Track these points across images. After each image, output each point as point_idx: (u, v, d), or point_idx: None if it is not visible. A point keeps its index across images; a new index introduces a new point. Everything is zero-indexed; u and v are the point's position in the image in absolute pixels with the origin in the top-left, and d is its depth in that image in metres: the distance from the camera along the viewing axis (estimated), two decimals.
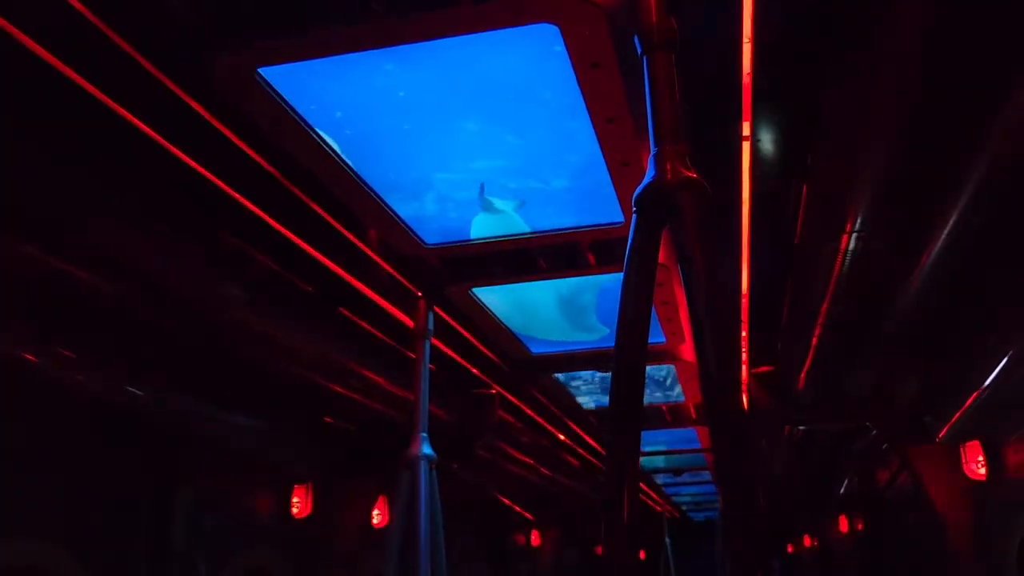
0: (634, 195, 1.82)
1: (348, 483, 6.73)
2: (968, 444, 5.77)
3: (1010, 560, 5.37)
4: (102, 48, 2.48)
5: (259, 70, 2.53)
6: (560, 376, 6.54)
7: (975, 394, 4.81)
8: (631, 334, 1.78)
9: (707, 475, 12.94)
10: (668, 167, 1.80)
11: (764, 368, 6.29)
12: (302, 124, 2.83)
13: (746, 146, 3.17)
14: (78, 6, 2.38)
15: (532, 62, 2.57)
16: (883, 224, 3.31)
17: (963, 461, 5.79)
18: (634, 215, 1.82)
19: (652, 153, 1.84)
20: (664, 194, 1.78)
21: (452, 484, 5.02)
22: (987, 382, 4.61)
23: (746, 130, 3.07)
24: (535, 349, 5.77)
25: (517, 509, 11.73)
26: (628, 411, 1.76)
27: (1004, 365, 4.42)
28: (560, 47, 2.45)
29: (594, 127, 2.86)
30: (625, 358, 1.80)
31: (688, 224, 1.75)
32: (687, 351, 5.87)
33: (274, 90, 2.62)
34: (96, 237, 3.07)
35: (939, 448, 5.83)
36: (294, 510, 6.41)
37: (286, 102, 2.69)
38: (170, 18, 2.47)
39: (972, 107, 2.72)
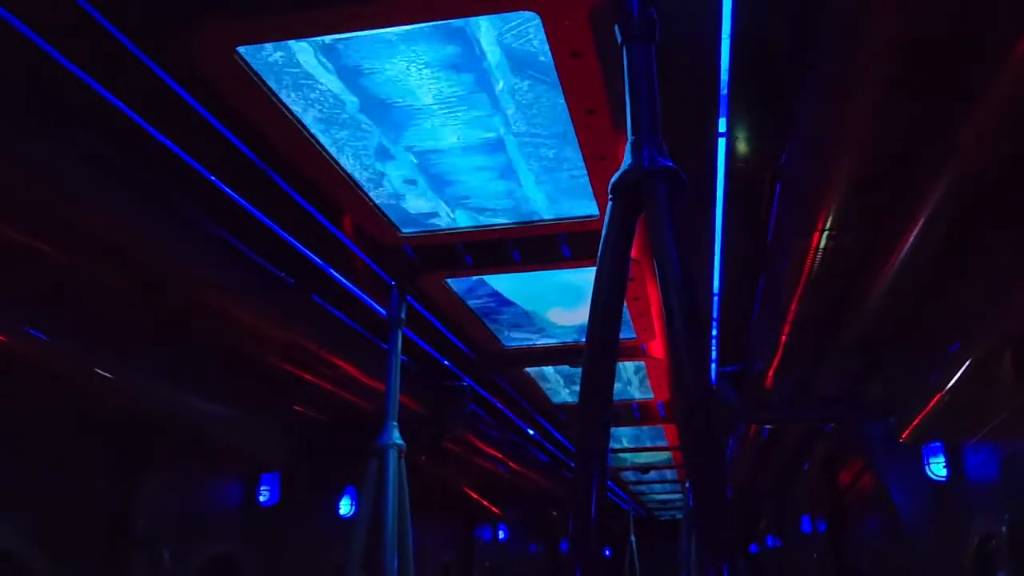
0: (610, 182, 1.84)
1: (317, 471, 6.70)
2: (930, 445, 5.86)
3: (969, 559, 5.46)
4: (77, 17, 2.44)
5: (237, 49, 2.51)
6: (531, 370, 6.56)
7: (938, 396, 4.88)
8: (603, 321, 1.80)
9: (673, 474, 13.02)
10: (644, 155, 1.83)
11: (733, 366, 6.35)
12: (280, 106, 2.81)
13: (722, 143, 3.20)
14: None
15: (512, 49, 2.58)
16: (854, 224, 3.35)
17: (925, 462, 5.89)
18: (609, 202, 1.84)
19: (629, 141, 1.86)
20: (640, 182, 1.80)
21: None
22: (949, 384, 4.69)
23: (722, 127, 3.10)
24: (507, 342, 5.78)
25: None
26: (598, 405, 1.77)
27: (966, 368, 4.49)
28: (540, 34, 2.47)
29: (572, 117, 2.88)
30: (597, 345, 1.81)
31: (663, 211, 1.77)
32: (657, 348, 5.91)
33: (252, 70, 2.60)
34: (62, 212, 3.01)
35: (902, 448, 5.93)
36: (261, 498, 6.36)
37: (264, 83, 2.67)
38: None
39: (941, 114, 2.77)
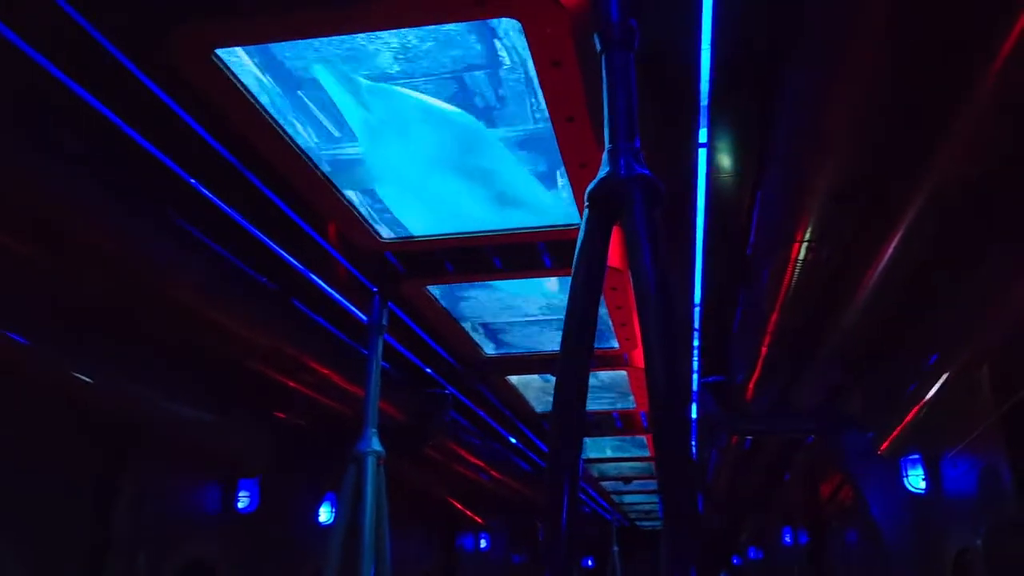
0: (587, 190, 1.84)
1: (297, 477, 6.66)
2: (909, 457, 5.89)
3: (947, 572, 5.48)
4: (54, 18, 2.43)
5: (216, 51, 2.50)
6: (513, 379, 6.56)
7: (916, 408, 4.91)
8: (578, 330, 1.79)
9: (656, 484, 13.02)
10: (621, 163, 1.83)
11: (714, 377, 6.37)
12: (260, 110, 2.80)
13: (703, 153, 3.21)
14: None
15: (494, 57, 2.58)
16: (833, 235, 3.37)
17: (903, 474, 5.92)
18: (586, 209, 1.84)
19: (606, 149, 1.87)
20: (616, 189, 1.80)
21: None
22: (928, 396, 4.72)
23: (703, 137, 3.11)
24: (489, 350, 5.77)
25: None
26: (572, 413, 1.76)
27: (945, 380, 4.52)
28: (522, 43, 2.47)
29: (553, 125, 2.88)
30: (571, 354, 1.81)
31: (639, 220, 1.77)
32: (640, 357, 5.92)
33: (231, 72, 2.59)
34: (41, 212, 2.99)
35: (881, 461, 5.95)
36: (240, 504, 6.31)
37: (243, 85, 2.66)
38: None
39: (921, 126, 2.79)
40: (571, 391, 1.79)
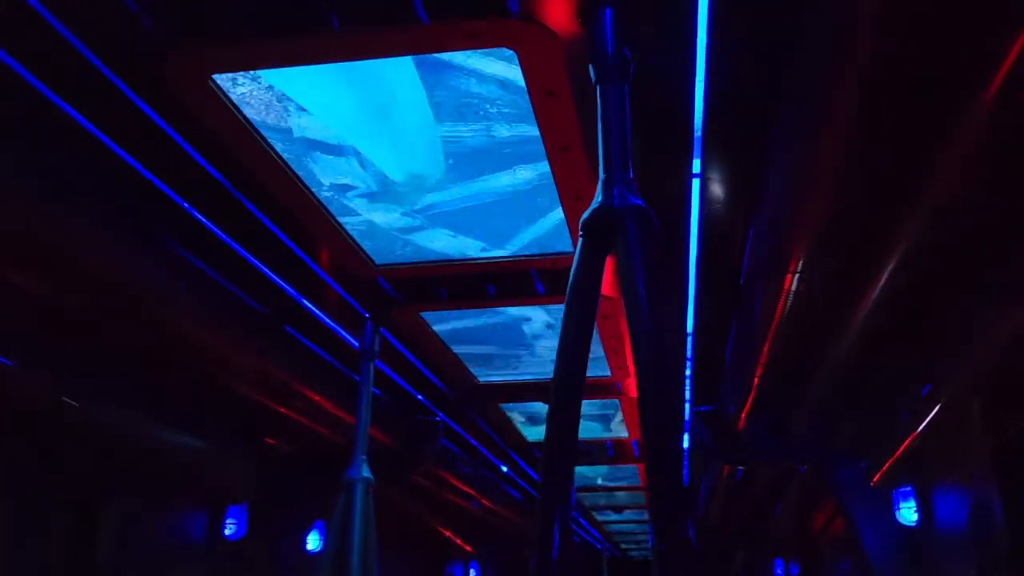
0: (581, 219, 1.84)
1: (285, 505, 6.59)
2: (901, 489, 5.87)
3: None
4: (52, 42, 2.43)
5: (213, 76, 2.50)
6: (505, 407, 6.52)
7: (909, 440, 4.90)
8: (571, 358, 1.79)
9: (646, 514, 12.95)
10: (615, 193, 1.84)
11: (707, 406, 6.35)
12: (255, 135, 2.80)
13: (696, 183, 3.23)
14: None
15: (488, 87, 2.59)
16: (826, 266, 3.37)
17: (896, 507, 5.88)
18: (580, 239, 1.84)
19: (600, 179, 1.87)
20: (610, 219, 1.81)
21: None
22: (920, 429, 4.71)
23: (696, 168, 3.12)
24: (482, 378, 5.75)
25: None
26: (564, 443, 1.75)
27: (937, 412, 4.52)
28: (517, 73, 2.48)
29: (547, 155, 2.89)
30: (564, 382, 1.80)
31: (633, 250, 1.77)
32: (632, 387, 5.90)
33: (227, 97, 2.60)
34: (33, 236, 2.98)
35: (873, 492, 5.92)
36: (227, 531, 6.24)
37: (239, 111, 2.66)
38: (126, 18, 2.44)
39: (913, 157, 2.81)
40: (564, 419, 1.78)
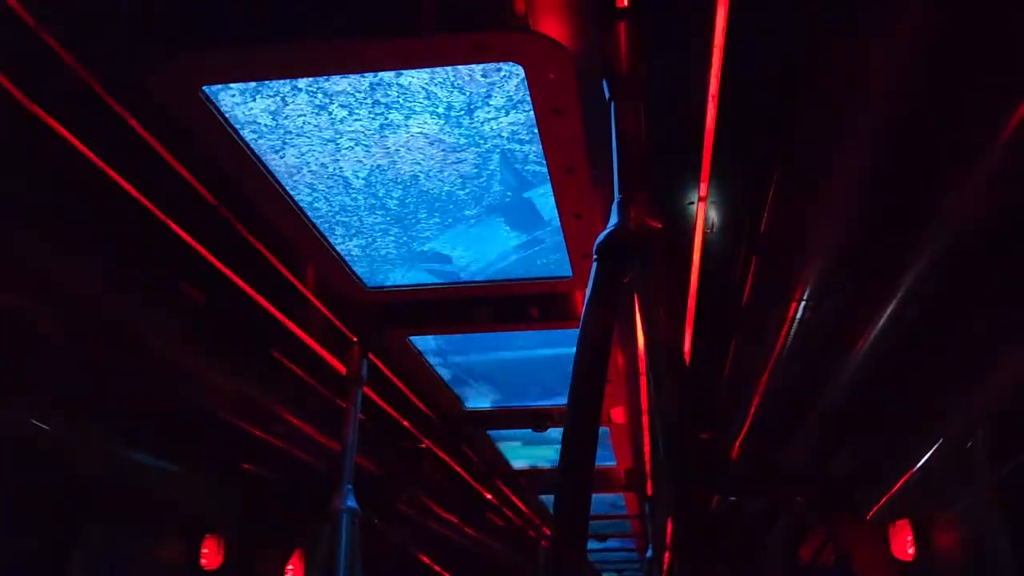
0: (596, 243, 1.74)
1: (264, 534, 6.40)
2: (897, 523, 5.76)
3: None
4: (38, 54, 2.30)
5: (203, 88, 2.39)
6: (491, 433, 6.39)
7: (907, 475, 4.81)
8: (587, 387, 1.69)
9: (632, 543, 12.78)
10: (632, 215, 1.74)
11: (703, 435, 6.23)
12: (245, 149, 2.69)
13: (700, 207, 3.13)
14: (16, 7, 2.21)
15: (490, 104, 2.49)
16: (831, 295, 3.29)
17: (891, 540, 5.78)
18: (594, 263, 1.74)
19: (616, 200, 1.77)
20: (627, 243, 1.71)
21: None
22: (919, 464, 4.62)
23: (703, 191, 3.03)
24: (469, 404, 5.62)
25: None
26: (580, 474, 1.65)
27: (936, 448, 4.44)
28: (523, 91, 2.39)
29: (551, 176, 2.79)
30: (579, 412, 1.69)
31: (651, 275, 1.67)
32: (620, 414, 5.80)
33: (218, 110, 2.48)
34: (11, 254, 2.83)
35: (868, 526, 5.82)
36: (203, 561, 6.03)
37: (230, 124, 2.55)
38: (114, 27, 2.32)
39: (925, 187, 2.73)
40: (580, 449, 1.67)
